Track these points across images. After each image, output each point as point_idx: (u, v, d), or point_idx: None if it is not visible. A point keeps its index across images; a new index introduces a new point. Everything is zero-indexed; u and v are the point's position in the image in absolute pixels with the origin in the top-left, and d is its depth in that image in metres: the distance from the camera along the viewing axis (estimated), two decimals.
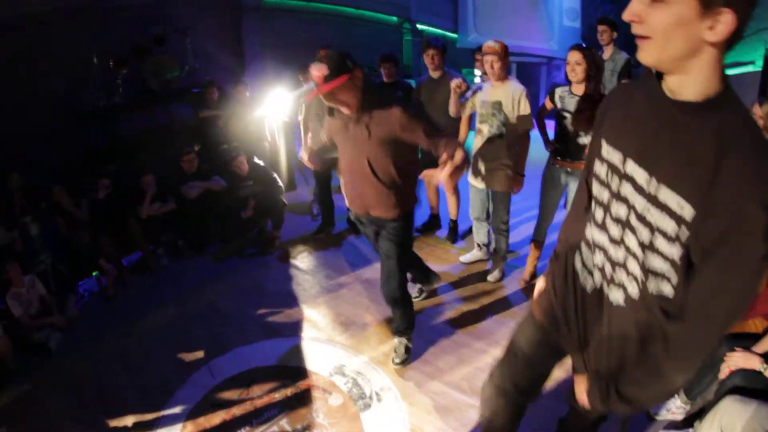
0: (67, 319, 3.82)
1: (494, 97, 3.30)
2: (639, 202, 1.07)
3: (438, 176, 2.03)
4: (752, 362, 1.94)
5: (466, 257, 4.03)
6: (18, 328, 3.52)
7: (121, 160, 5.59)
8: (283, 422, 2.59)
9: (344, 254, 4.40)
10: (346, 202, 2.67)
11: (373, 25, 10.74)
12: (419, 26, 12.18)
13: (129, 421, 2.70)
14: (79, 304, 4.17)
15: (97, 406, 2.86)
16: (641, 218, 1.07)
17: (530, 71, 13.10)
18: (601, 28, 4.54)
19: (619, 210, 1.14)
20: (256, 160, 4.87)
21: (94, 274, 4.45)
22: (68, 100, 5.94)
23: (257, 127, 5.49)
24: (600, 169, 1.19)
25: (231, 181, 4.77)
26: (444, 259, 4.18)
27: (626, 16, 0.97)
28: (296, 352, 3.11)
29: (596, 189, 1.23)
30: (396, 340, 2.96)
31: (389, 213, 2.50)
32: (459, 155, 2.05)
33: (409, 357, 2.92)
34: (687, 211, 0.95)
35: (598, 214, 1.22)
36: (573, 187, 3.19)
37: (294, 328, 3.36)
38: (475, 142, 3.50)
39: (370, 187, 2.44)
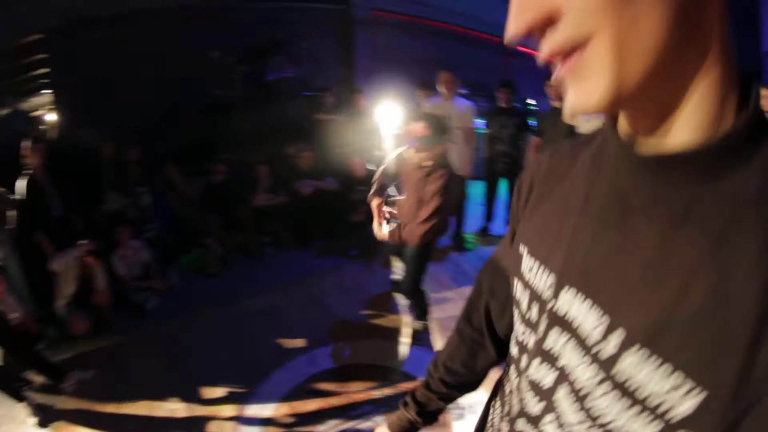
0: (167, 285, 4.15)
1: None
2: (581, 374, 0.54)
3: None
4: None
5: None
6: (120, 287, 3.88)
7: (235, 151, 6.02)
8: (378, 419, 2.67)
9: (447, 270, 4.52)
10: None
11: (482, 44, 10.81)
12: (521, 48, 12.16)
13: (220, 391, 2.88)
14: (179, 275, 4.48)
15: (187, 371, 3.08)
16: (582, 405, 0.54)
17: None
18: None
19: (543, 376, 0.61)
20: (371, 167, 5.11)
21: (200, 247, 4.77)
22: (190, 90, 6.53)
23: (370, 135, 5.75)
24: (521, 294, 0.67)
25: (344, 184, 5.04)
26: None
27: None
28: (397, 354, 3.25)
29: (516, 321, 0.71)
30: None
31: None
32: None
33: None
34: (689, 397, 0.42)
35: (522, 360, 0.68)
36: None
37: (396, 332, 3.50)
38: None
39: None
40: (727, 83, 0.44)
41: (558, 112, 4.14)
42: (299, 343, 3.39)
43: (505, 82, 4.89)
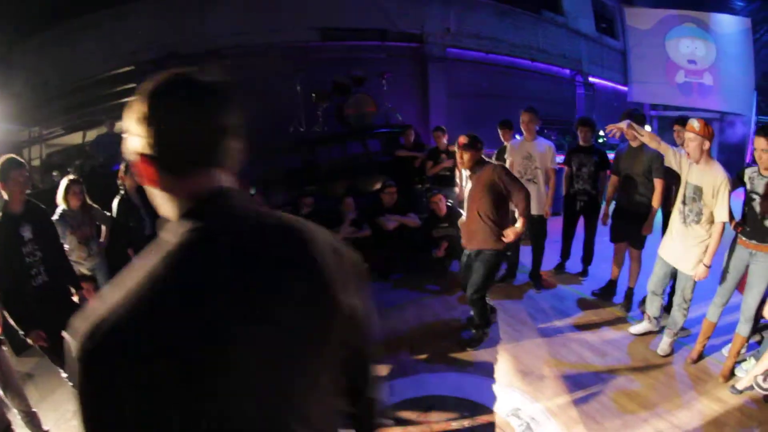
0: None
1: (697, 181, 3.29)
2: None
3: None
4: None
5: (636, 328, 4.07)
6: None
7: (319, 184, 6.48)
8: None
9: (524, 306, 4.70)
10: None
11: (547, 77, 10.95)
12: (591, 79, 12.07)
13: None
14: None
15: None
16: None
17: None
18: None
19: None
20: (452, 204, 5.40)
21: None
22: (275, 124, 6.96)
23: (450, 172, 6.03)
24: None
25: (427, 220, 5.35)
26: (616, 326, 4.28)
27: None
28: (476, 388, 3.37)
29: None
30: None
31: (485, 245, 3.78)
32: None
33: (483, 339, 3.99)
34: None
35: None
36: (755, 269, 3.19)
37: (476, 366, 3.67)
38: (672, 219, 3.58)
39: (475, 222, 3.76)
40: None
41: (635, 151, 4.23)
42: (381, 371, 3.67)
43: (584, 120, 5.00)
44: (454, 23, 9.09)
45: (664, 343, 3.76)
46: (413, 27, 8.70)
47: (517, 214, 3.66)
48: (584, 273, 5.38)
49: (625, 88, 12.84)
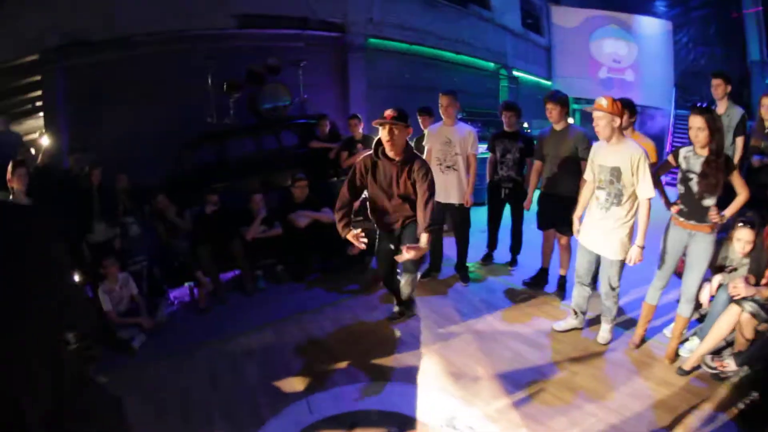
0: (155, 322, 3.91)
1: (612, 162, 3.11)
2: None
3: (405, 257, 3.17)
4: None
5: (560, 324, 3.75)
6: (105, 323, 3.65)
7: (229, 180, 5.85)
8: None
9: (452, 301, 4.29)
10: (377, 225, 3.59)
11: (472, 70, 10.99)
12: (515, 73, 12.29)
13: None
14: (168, 310, 4.26)
15: (175, 418, 2.82)
16: None
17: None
18: (715, 81, 4.25)
19: None
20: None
21: (187, 284, 4.56)
22: (183, 117, 6.37)
23: None
24: None
25: None
26: (553, 315, 3.97)
27: None
28: (405, 398, 2.96)
29: None
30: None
31: (410, 221, 3.49)
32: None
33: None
34: None
35: None
36: (694, 249, 3.10)
37: (402, 374, 3.23)
38: (590, 207, 3.35)
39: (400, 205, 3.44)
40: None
41: (560, 134, 3.97)
42: (297, 385, 3.13)
43: (508, 104, 4.75)
44: (377, 13, 8.76)
45: (603, 331, 3.53)
46: (335, 16, 8.30)
47: (419, 230, 3.21)
48: (513, 262, 5.14)
49: (548, 83, 13.34)
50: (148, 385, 3.18)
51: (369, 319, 4.02)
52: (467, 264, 4.74)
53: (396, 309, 3.96)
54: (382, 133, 3.21)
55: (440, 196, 4.10)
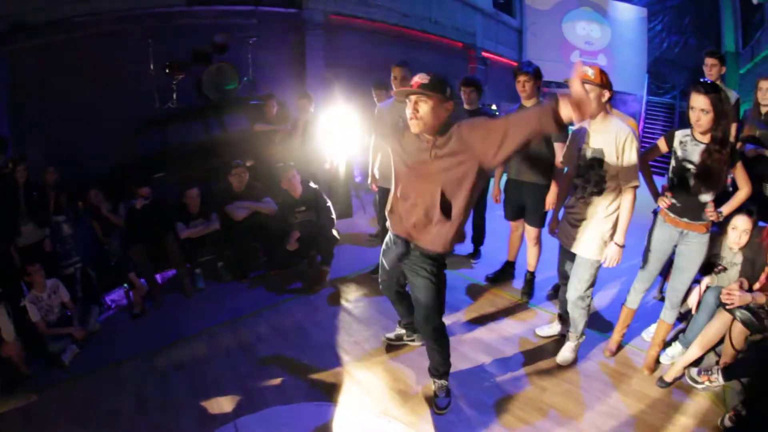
0: (87, 332, 3.53)
1: (594, 143, 2.60)
2: None
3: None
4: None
5: (544, 330, 3.33)
6: (34, 334, 3.32)
7: (169, 170, 5.34)
8: None
9: None
10: (390, 222, 2.48)
11: (438, 49, 10.47)
12: (484, 54, 11.93)
13: None
14: (103, 317, 3.87)
15: None
16: None
17: None
18: (710, 61, 3.83)
19: None
20: (312, 184, 4.40)
21: (124, 285, 4.10)
22: (122, 102, 5.79)
23: (317, 147, 5.06)
24: None
25: (282, 205, 4.29)
26: (520, 318, 3.56)
27: None
28: (343, 423, 2.53)
29: None
30: (437, 383, 2.69)
31: (437, 247, 2.30)
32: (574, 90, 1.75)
33: (450, 400, 2.69)
34: None
35: None
36: (685, 250, 2.67)
37: (342, 392, 2.78)
38: (570, 199, 2.86)
39: (427, 217, 2.27)
40: None
41: None
42: (225, 406, 2.69)
43: (468, 80, 4.20)
44: None
45: (566, 350, 3.03)
46: None
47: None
48: (476, 254, 4.68)
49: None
50: (77, 400, 2.87)
51: (309, 325, 3.53)
52: None
53: (398, 332, 3.17)
54: (407, 110, 2.19)
55: (390, 182, 3.63)
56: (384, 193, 3.92)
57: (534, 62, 3.48)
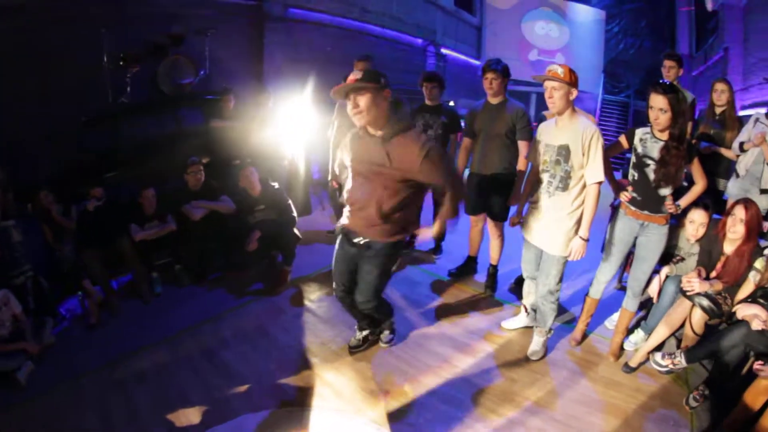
0: (41, 346, 3.22)
1: (559, 140, 2.65)
2: None
3: (427, 235, 2.57)
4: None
5: (509, 323, 3.35)
6: None
7: (123, 168, 5.02)
8: None
9: None
10: (345, 218, 2.62)
11: (398, 45, 10.51)
12: (444, 51, 12.00)
13: None
14: (58, 328, 3.55)
15: None
16: None
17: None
18: (668, 63, 3.98)
19: None
20: (271, 182, 4.25)
21: (79, 293, 3.82)
22: (73, 96, 5.42)
23: (276, 143, 4.90)
24: None
25: (241, 204, 4.13)
26: (485, 311, 3.56)
27: None
28: (316, 427, 2.46)
29: None
30: (382, 331, 3.09)
31: (384, 237, 2.51)
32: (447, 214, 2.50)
33: (395, 334, 3.12)
34: None
35: None
36: (645, 242, 2.79)
37: (312, 395, 2.69)
38: (534, 194, 2.88)
39: (374, 210, 2.43)
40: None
41: (496, 109, 3.46)
42: (193, 417, 2.54)
43: (429, 75, 4.18)
44: None
45: (535, 344, 3.07)
46: None
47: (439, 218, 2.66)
48: (437, 250, 4.66)
49: (477, 62, 13.25)
50: (38, 426, 2.61)
51: (273, 328, 3.40)
52: None
53: (359, 335, 3.10)
54: (348, 108, 2.35)
55: None
56: None
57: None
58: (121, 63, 5.59)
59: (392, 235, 2.51)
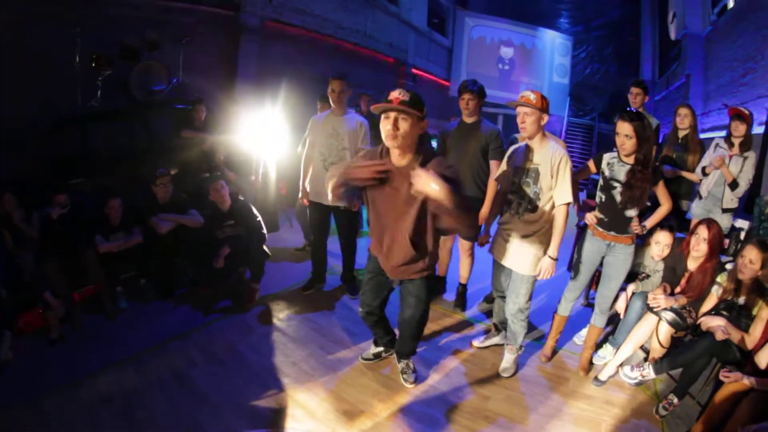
0: None
1: (529, 163, 2.72)
2: None
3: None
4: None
5: (479, 341, 3.37)
6: None
7: (90, 175, 4.82)
8: None
9: (340, 320, 3.67)
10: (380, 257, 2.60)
11: (370, 63, 10.63)
12: (414, 71, 12.22)
13: None
14: (14, 343, 3.23)
15: None
16: None
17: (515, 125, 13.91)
18: (635, 90, 4.16)
19: None
20: (241, 197, 4.16)
21: (39, 306, 3.54)
22: (42, 97, 5.23)
23: (246, 158, 4.81)
24: None
25: (210, 218, 4.02)
26: (455, 330, 3.57)
27: None
28: None
29: None
30: (403, 363, 2.98)
31: (416, 275, 2.54)
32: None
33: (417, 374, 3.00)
34: None
35: None
36: (612, 261, 2.88)
37: (285, 416, 2.60)
38: (503, 215, 2.94)
39: (403, 247, 2.41)
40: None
41: (470, 128, 3.52)
42: None
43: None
44: None
45: (506, 361, 3.10)
46: None
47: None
48: None
49: (447, 83, 13.47)
50: None
51: (243, 347, 3.28)
52: (355, 273, 4.14)
53: (374, 349, 3.14)
54: (383, 125, 2.22)
55: (323, 197, 3.58)
56: (315, 207, 3.79)
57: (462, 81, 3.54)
58: (93, 65, 5.42)
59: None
